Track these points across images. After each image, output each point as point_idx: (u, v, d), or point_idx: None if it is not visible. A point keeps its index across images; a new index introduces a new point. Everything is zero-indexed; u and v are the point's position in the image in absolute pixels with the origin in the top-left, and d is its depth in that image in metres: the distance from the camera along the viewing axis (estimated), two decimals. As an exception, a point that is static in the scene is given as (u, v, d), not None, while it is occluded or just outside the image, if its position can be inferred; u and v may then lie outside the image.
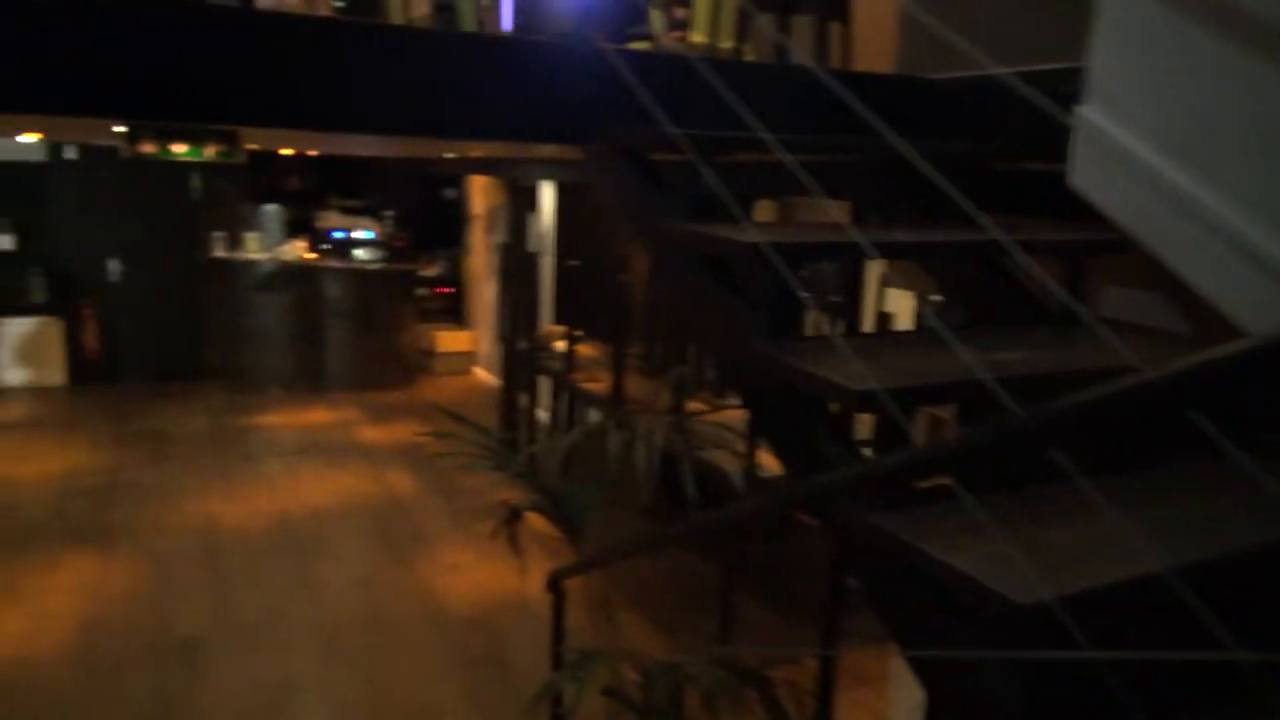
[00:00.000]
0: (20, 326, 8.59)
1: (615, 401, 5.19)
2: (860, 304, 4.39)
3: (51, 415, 7.94)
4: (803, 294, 1.74)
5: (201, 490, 6.34)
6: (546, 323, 7.68)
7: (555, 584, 3.17)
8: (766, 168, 1.95)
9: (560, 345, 6.51)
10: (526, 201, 7.46)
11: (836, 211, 2.62)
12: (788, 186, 2.02)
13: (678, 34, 3.79)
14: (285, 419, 8.13)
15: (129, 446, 7.18)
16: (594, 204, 7.42)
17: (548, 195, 7.90)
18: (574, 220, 7.70)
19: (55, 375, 8.73)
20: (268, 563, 5.30)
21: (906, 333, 3.25)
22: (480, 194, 9.78)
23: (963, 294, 2.25)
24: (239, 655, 4.31)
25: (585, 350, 6.63)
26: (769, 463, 4.01)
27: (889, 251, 2.16)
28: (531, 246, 7.56)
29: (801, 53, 3.18)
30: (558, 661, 3.38)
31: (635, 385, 5.53)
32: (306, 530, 5.78)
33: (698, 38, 5.02)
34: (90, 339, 8.71)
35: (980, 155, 2.39)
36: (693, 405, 4.61)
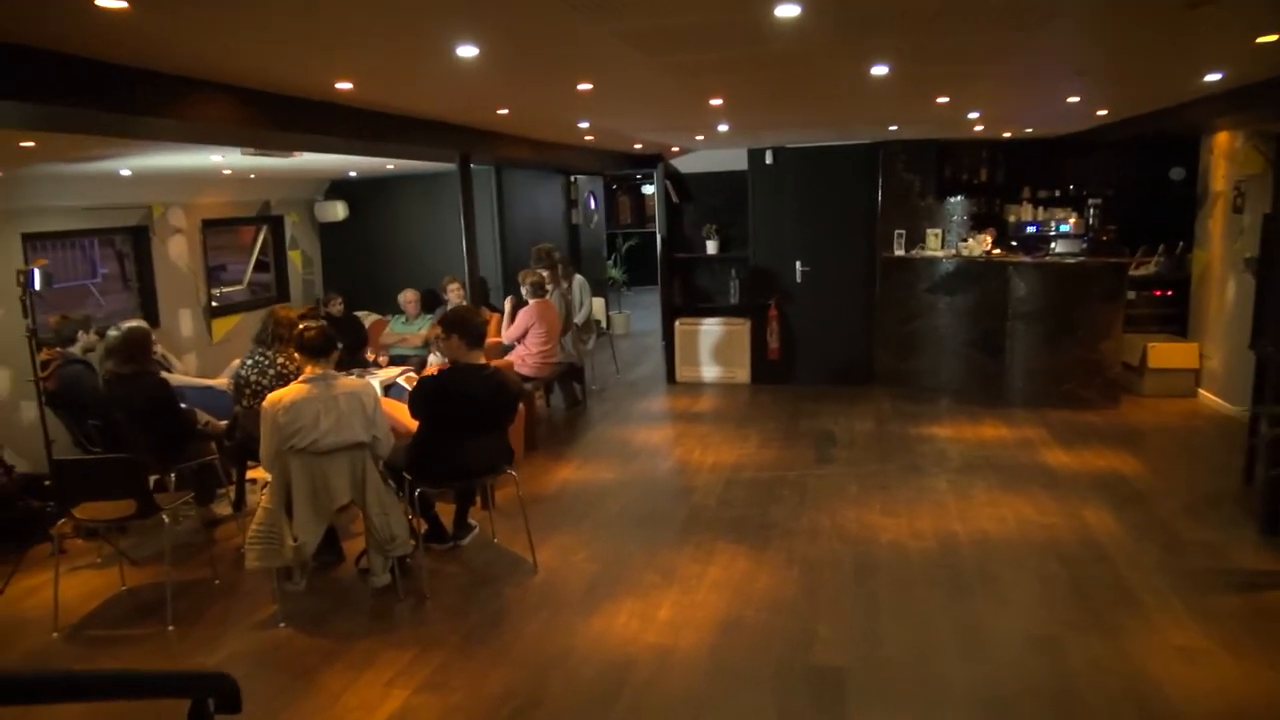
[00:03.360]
0: (718, 326, 9.18)
1: None
2: None
3: (733, 410, 8.23)
4: None
5: (861, 499, 5.72)
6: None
7: None
8: None
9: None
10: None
11: None
12: None
13: None
14: (955, 431, 7.17)
15: (795, 446, 6.96)
16: None
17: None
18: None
19: (741, 373, 9.13)
20: (923, 594, 4.36)
21: None
22: (1221, 165, 7.57)
23: None
24: (880, 708, 3.43)
25: None
26: None
27: None
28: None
29: None
30: None
31: None
32: (972, 562, 4.70)
33: None
34: (773, 339, 8.90)
35: None
36: None
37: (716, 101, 4.49)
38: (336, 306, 9.03)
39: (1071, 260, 7.75)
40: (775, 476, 6.22)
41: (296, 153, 4.75)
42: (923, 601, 4.28)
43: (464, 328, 4.56)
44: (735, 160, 8.96)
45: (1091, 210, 8.71)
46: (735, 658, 3.82)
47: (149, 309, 7.54)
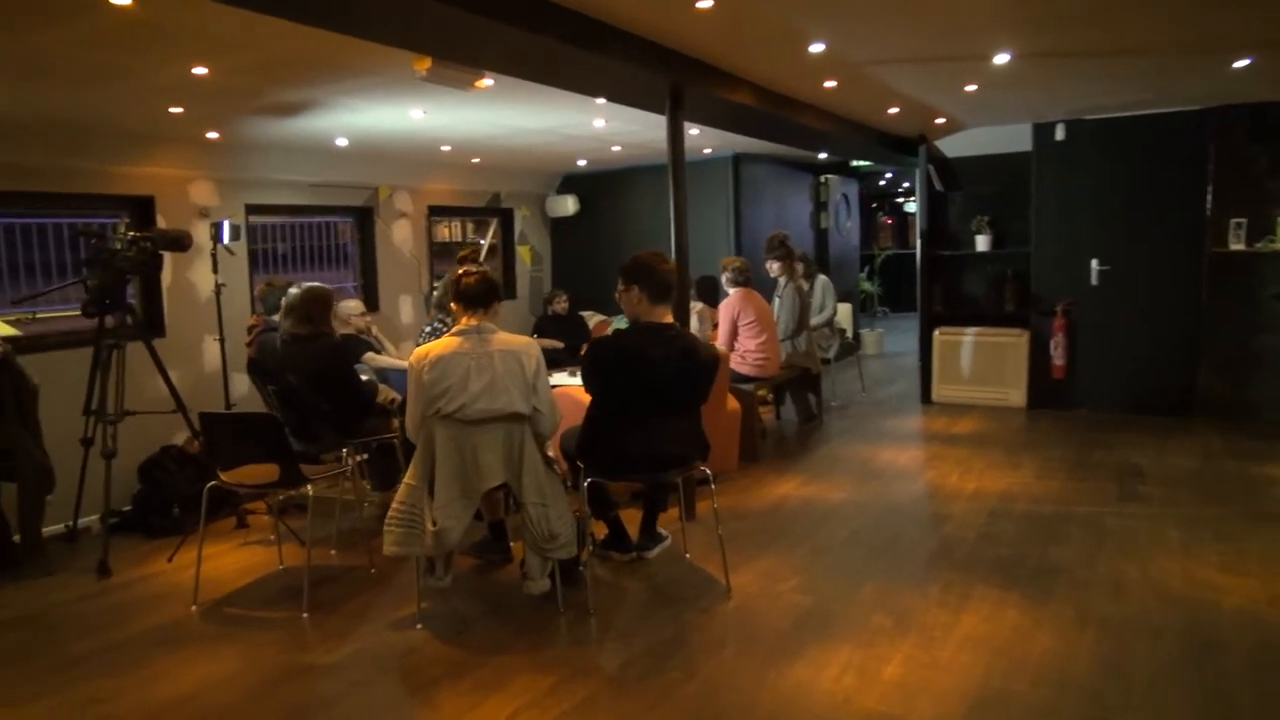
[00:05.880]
0: (987, 337, 7.68)
1: None
2: None
3: (1002, 434, 6.71)
4: None
5: (1188, 549, 4.15)
6: None
7: None
8: None
9: None
10: None
11: None
12: None
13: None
14: (1325, 476, 5.28)
15: (1087, 478, 5.40)
16: None
17: None
18: None
19: (1014, 394, 7.54)
20: (1307, 691, 2.85)
21: None
22: None
23: None
24: None
25: None
26: None
27: None
28: None
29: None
30: None
31: None
32: (1385, 653, 3.08)
33: None
34: (1058, 354, 7.27)
35: None
36: None
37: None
38: (561, 304, 8.55)
39: None
40: (1059, 512, 4.76)
41: (480, 81, 4.14)
42: (1306, 702, 2.78)
43: (647, 277, 3.66)
44: (1014, 139, 7.49)
45: None
46: (996, 749, 2.58)
47: (369, 292, 7.36)
